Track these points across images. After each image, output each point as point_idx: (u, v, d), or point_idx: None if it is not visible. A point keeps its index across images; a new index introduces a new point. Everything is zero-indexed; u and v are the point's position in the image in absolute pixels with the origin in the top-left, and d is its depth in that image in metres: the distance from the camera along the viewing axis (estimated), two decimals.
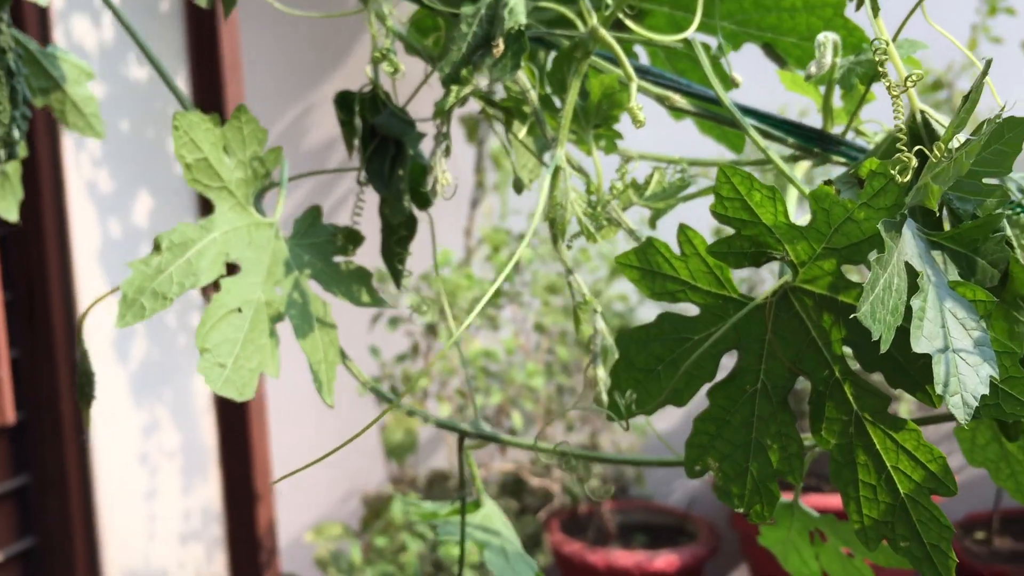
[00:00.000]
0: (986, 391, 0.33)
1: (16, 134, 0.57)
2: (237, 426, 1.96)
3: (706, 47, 0.55)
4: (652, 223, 0.51)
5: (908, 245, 0.35)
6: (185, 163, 0.45)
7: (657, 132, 0.55)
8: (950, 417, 0.46)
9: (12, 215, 0.61)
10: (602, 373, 0.47)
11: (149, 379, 2.46)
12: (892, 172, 0.35)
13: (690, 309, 0.42)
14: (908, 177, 0.35)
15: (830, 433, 0.41)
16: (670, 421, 2.43)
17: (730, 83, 0.54)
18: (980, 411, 0.34)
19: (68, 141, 2.02)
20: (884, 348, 0.33)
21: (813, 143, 0.47)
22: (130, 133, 2.38)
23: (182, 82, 2.23)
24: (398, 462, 2.31)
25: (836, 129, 0.47)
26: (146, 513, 2.46)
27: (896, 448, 0.39)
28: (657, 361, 0.43)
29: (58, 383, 2.24)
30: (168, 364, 2.45)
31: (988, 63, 0.34)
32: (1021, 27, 1.89)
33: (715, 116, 0.49)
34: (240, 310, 0.45)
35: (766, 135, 0.47)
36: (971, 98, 0.35)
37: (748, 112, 0.47)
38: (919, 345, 0.33)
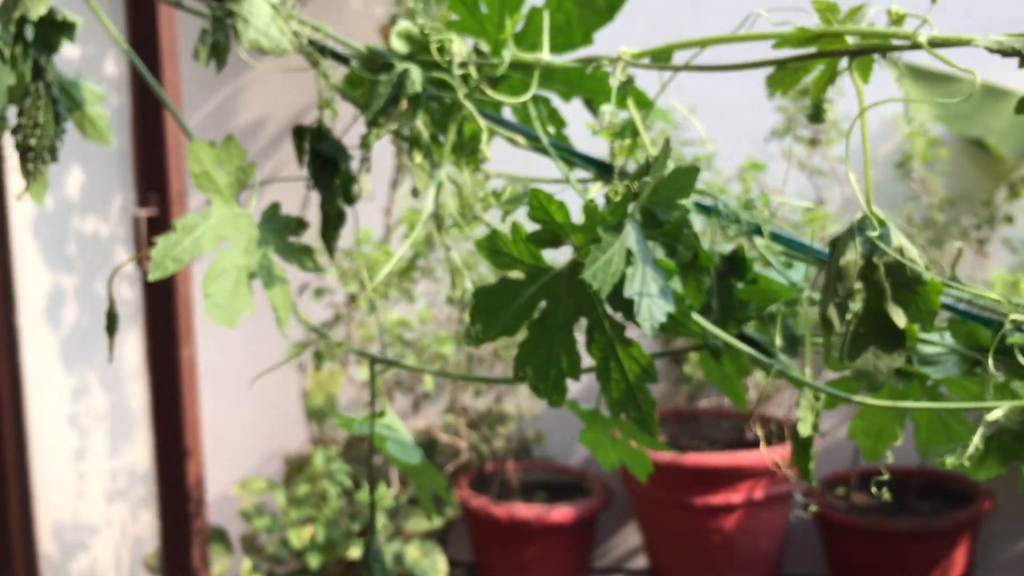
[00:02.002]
0: (664, 319, 0.62)
1: (58, 144, 0.83)
2: (169, 386, 2.20)
3: (545, 100, 0.84)
4: (503, 219, 0.79)
5: (630, 237, 0.64)
6: (194, 173, 0.72)
7: (514, 157, 0.84)
8: (684, 350, 0.76)
9: (41, 199, 0.86)
10: (467, 317, 0.75)
11: (79, 345, 2.66)
12: (620, 194, 0.64)
13: (518, 275, 0.71)
14: (633, 196, 0.64)
15: (596, 349, 0.69)
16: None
17: (562, 123, 0.83)
18: (663, 328, 0.63)
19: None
20: (602, 296, 0.62)
21: (602, 170, 0.76)
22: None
23: (115, 63, 2.45)
24: (319, 424, 2.57)
25: (621, 160, 0.75)
26: (75, 472, 2.68)
27: (628, 356, 0.68)
28: (497, 307, 0.71)
29: None
30: (97, 331, 2.66)
31: (667, 143, 0.63)
32: None
33: (539, 148, 0.77)
34: (229, 271, 0.72)
35: (571, 163, 0.75)
36: (661, 157, 0.63)
37: (559, 148, 0.76)
38: (628, 292, 0.62)
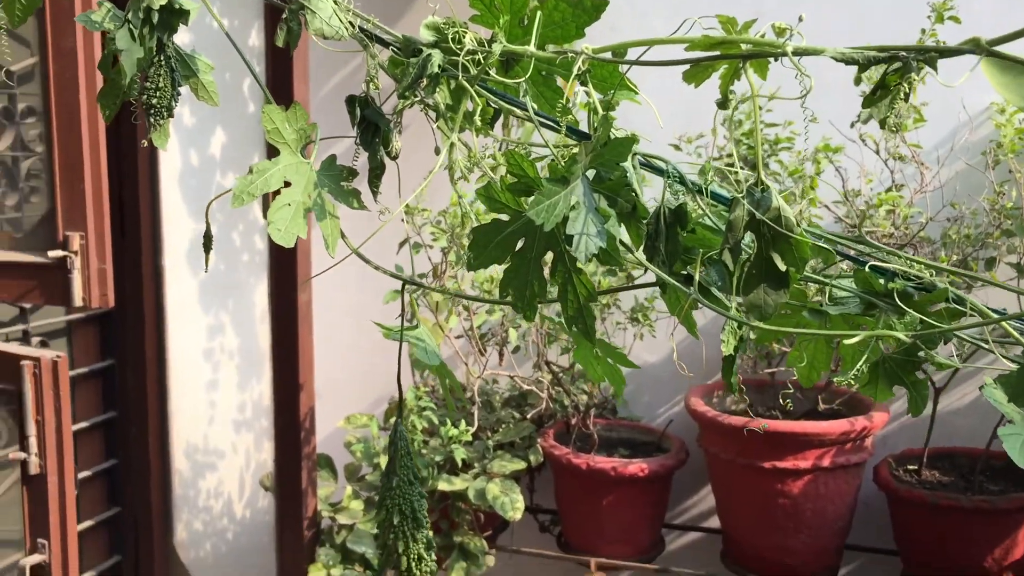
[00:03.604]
0: (595, 251, 0.82)
1: (174, 104, 1.09)
2: (288, 326, 2.50)
3: (551, 80, 1.05)
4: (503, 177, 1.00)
5: (578, 190, 0.84)
6: (268, 129, 0.96)
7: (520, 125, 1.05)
8: (639, 285, 0.96)
9: (163, 146, 1.12)
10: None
11: (216, 288, 3.00)
12: (574, 154, 0.84)
13: (505, 217, 0.92)
14: (584, 157, 0.85)
15: (558, 276, 0.90)
16: (656, 354, 2.92)
17: (560, 94, 1.04)
18: (598, 259, 0.83)
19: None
20: (546, 229, 0.83)
21: (581, 137, 0.96)
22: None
23: (258, 35, 2.75)
24: (420, 372, 2.83)
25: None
26: (208, 401, 3.03)
27: (580, 283, 0.88)
28: (488, 241, 0.93)
29: (141, 279, 2.81)
30: (232, 277, 2.99)
31: (606, 117, 0.83)
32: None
33: (529, 118, 0.98)
34: (289, 205, 0.96)
35: (557, 131, 0.96)
36: (603, 127, 0.83)
37: (544, 118, 0.96)
38: (568, 230, 0.83)
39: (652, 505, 2.73)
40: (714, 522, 2.91)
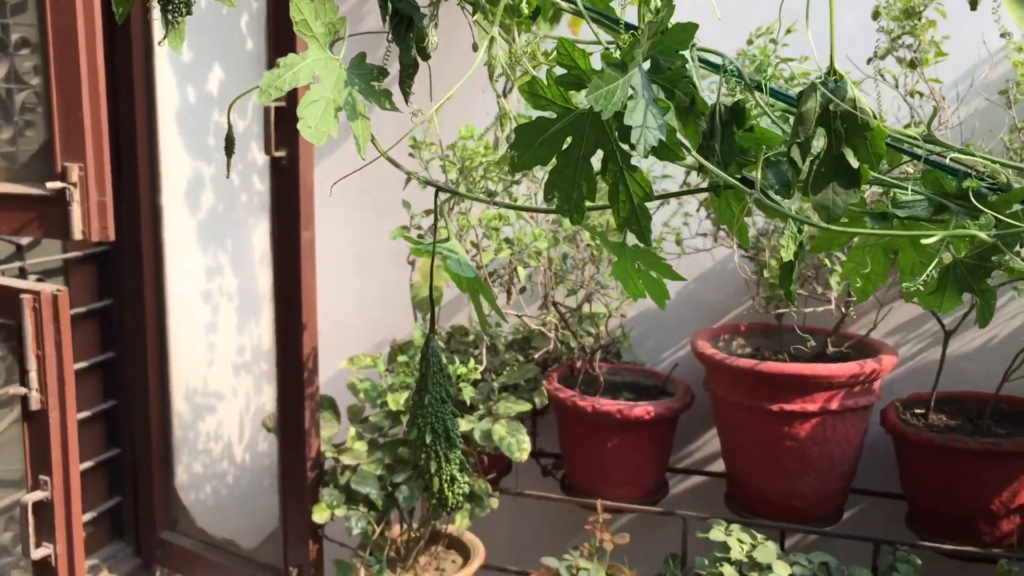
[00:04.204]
0: (655, 143, 0.76)
1: (192, 1, 1.02)
2: (291, 264, 2.43)
3: None
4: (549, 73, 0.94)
5: (635, 78, 0.77)
6: (295, 20, 0.89)
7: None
8: (692, 191, 0.90)
9: (178, 48, 1.05)
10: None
11: (214, 229, 2.93)
12: (627, 41, 0.78)
13: (550, 114, 0.86)
14: (639, 47, 0.78)
15: (609, 176, 0.84)
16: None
17: None
18: (654, 152, 0.77)
19: (155, 15, 2.47)
20: (605, 116, 0.77)
21: (631, 31, 0.90)
22: (206, 10, 2.77)
23: None
24: (423, 315, 2.77)
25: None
26: (207, 343, 2.97)
27: (634, 180, 0.82)
28: (533, 140, 0.86)
29: (139, 218, 2.73)
30: (231, 218, 2.92)
31: (669, 1, 0.76)
32: None
33: (578, 12, 0.91)
34: (319, 101, 0.89)
35: (605, 26, 0.89)
36: (665, 12, 0.77)
37: (592, 11, 0.90)
38: (627, 120, 0.77)
39: (657, 448, 2.69)
40: (718, 466, 2.88)
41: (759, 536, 2.44)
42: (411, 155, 2.27)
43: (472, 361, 2.32)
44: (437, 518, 0.88)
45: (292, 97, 2.45)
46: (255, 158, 2.97)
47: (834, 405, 2.45)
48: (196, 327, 2.93)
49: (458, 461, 1.00)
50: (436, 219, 1.02)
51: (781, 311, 2.63)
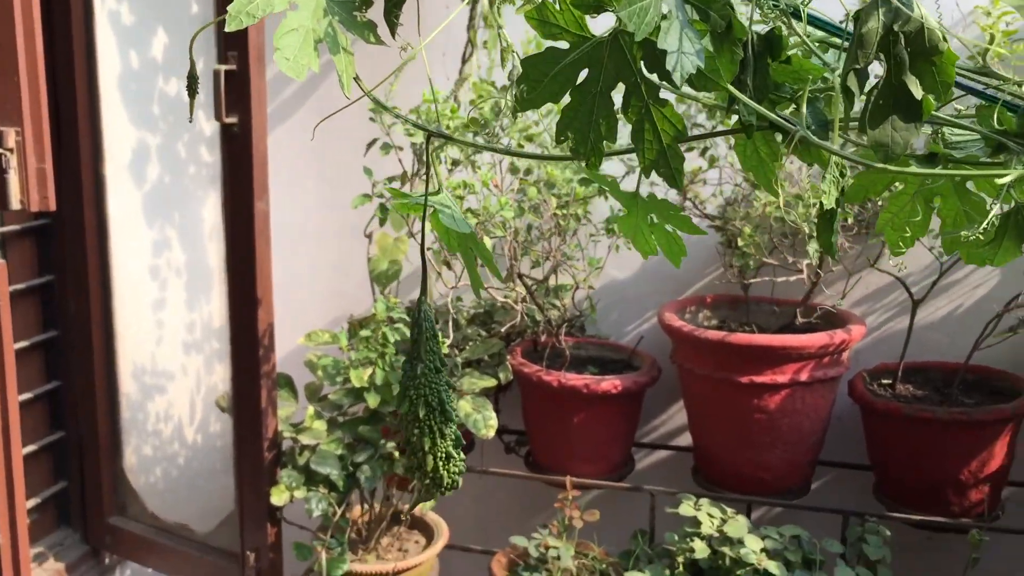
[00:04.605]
0: (693, 71, 0.65)
1: None
2: (244, 236, 2.29)
3: None
4: None
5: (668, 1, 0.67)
6: None
7: None
8: (718, 133, 0.79)
9: None
10: (515, 91, 0.79)
11: (161, 202, 2.77)
12: None
13: (563, 44, 0.74)
14: None
15: (633, 113, 0.73)
16: (626, 270, 2.77)
17: None
18: (691, 83, 0.66)
19: None
20: (638, 37, 0.66)
21: None
22: None
23: None
24: (382, 289, 2.64)
25: None
26: (155, 320, 2.81)
27: (662, 117, 0.72)
28: (543, 74, 0.75)
29: (81, 189, 2.56)
30: (178, 190, 2.76)
31: None
32: None
33: None
34: (296, 30, 0.77)
35: None
36: None
37: None
38: (662, 44, 0.66)
39: (624, 423, 2.60)
40: (683, 440, 2.80)
41: (729, 510, 2.37)
42: (372, 119, 2.14)
43: (440, 335, 2.20)
44: (429, 499, 0.77)
45: (243, 59, 2.31)
46: (202, 128, 2.80)
47: (804, 376, 2.38)
48: (143, 304, 2.77)
49: (454, 437, 0.89)
50: (428, 167, 0.90)
51: (749, 282, 2.56)
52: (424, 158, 1.98)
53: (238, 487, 2.45)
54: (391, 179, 2.22)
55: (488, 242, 2.19)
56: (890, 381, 2.52)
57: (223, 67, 2.28)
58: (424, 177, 2.25)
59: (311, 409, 2.44)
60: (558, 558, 2.30)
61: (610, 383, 2.47)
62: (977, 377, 2.50)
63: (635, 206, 0.89)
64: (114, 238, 2.73)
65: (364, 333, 2.18)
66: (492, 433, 2.28)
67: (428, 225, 0.90)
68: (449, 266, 2.40)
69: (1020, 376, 2.44)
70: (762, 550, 2.25)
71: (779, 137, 0.78)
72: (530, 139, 2.31)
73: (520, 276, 2.37)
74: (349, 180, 2.98)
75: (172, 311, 2.77)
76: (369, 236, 2.65)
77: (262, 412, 2.37)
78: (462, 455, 0.90)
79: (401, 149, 2.16)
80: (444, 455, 0.87)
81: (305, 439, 2.38)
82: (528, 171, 2.27)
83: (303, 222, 3.05)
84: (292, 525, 2.55)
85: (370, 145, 2.24)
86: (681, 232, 0.89)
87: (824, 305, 2.48)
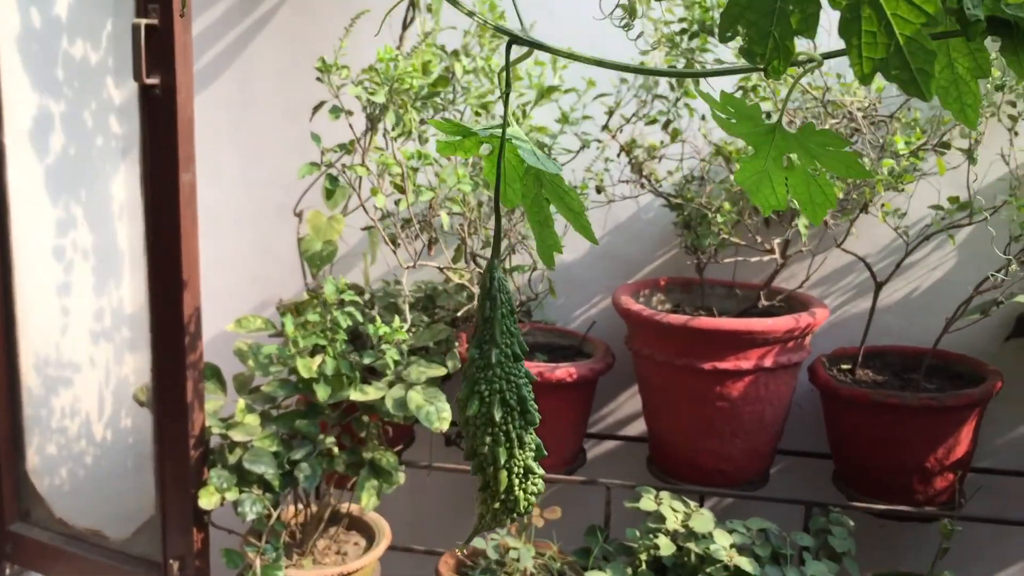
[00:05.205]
0: None
1: None
2: (168, 212, 2.00)
3: None
4: None
5: None
6: None
7: None
8: (950, 34, 0.58)
9: None
10: None
11: (66, 176, 2.44)
12: None
13: None
14: None
15: None
16: (573, 252, 2.57)
17: None
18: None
19: None
20: None
21: None
22: None
23: None
24: (315, 272, 2.37)
25: None
26: (60, 307, 2.48)
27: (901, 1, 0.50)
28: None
29: None
30: (84, 164, 2.44)
31: None
32: None
33: None
34: None
35: None
36: None
37: None
38: None
39: (577, 413, 2.40)
40: (634, 429, 2.62)
41: (692, 504, 2.19)
42: (319, 79, 1.87)
43: (396, 320, 1.94)
44: (497, 527, 0.57)
45: (166, 13, 2.00)
46: (111, 96, 2.47)
47: (768, 362, 2.21)
48: (47, 288, 2.43)
49: (534, 445, 0.66)
50: (508, 77, 0.66)
51: (707, 263, 2.38)
52: (388, 117, 1.72)
53: (160, 489, 2.15)
54: (341, 146, 1.95)
55: (446, 218, 1.95)
56: (849, 366, 2.39)
57: (143, 21, 1.98)
58: (369, 145, 1.99)
59: (242, 402, 2.15)
60: (517, 559, 2.08)
61: (564, 371, 2.27)
62: (936, 362, 2.38)
63: (768, 143, 0.67)
64: (14, 213, 2.38)
65: (312, 318, 1.91)
66: (446, 426, 2.05)
67: (500, 166, 0.66)
68: (395, 242, 2.15)
69: (980, 360, 2.33)
70: (731, 545, 2.07)
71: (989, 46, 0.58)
72: (485, 108, 2.08)
73: (474, 257, 2.14)
74: (274, 152, 2.69)
75: (78, 297, 2.44)
76: (299, 215, 2.38)
77: (188, 406, 2.07)
78: (541, 469, 0.68)
79: (351, 114, 1.89)
80: (521, 469, 0.64)
81: (236, 435, 2.09)
82: None
83: (222, 199, 2.75)
84: (220, 529, 2.26)
85: (316, 108, 1.97)
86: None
87: (788, 288, 2.32)
